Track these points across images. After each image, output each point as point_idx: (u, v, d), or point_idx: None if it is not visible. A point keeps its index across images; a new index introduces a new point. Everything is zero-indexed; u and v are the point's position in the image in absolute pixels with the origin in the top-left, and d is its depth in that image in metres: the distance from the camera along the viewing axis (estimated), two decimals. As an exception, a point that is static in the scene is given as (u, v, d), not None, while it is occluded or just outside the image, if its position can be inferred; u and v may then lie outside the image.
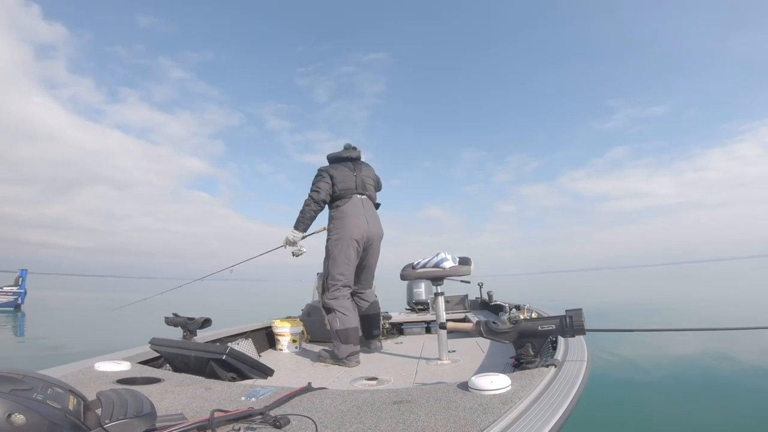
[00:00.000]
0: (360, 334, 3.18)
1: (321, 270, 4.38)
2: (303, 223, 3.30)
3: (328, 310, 3.11)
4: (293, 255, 3.35)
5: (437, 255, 2.96)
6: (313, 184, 3.30)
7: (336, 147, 3.82)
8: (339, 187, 3.27)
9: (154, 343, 2.40)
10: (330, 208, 3.33)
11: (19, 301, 16.45)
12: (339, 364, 2.92)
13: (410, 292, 5.20)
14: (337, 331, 2.99)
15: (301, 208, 3.29)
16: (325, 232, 3.35)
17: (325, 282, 3.18)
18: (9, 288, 16.45)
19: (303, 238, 3.34)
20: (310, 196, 3.26)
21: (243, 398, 1.52)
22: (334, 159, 3.47)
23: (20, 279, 16.75)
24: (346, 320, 3.04)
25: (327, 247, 3.24)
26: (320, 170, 3.37)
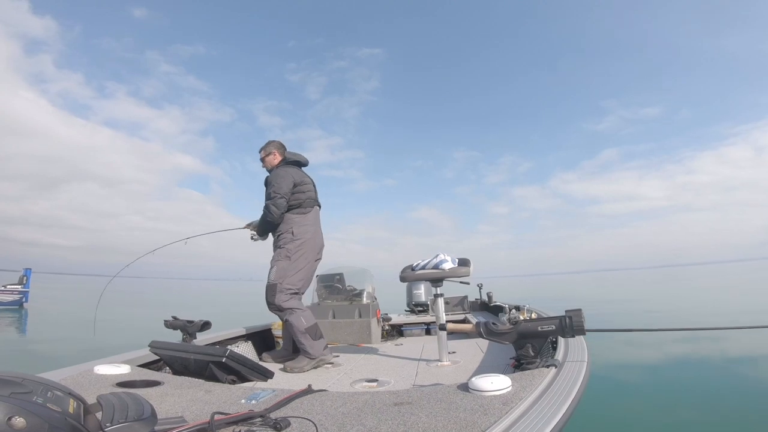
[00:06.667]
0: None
1: (317, 273, 4.35)
2: (262, 226, 3.24)
3: (289, 311, 2.94)
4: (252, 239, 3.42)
5: (436, 256, 2.97)
6: (279, 187, 3.09)
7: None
8: (306, 195, 3.20)
9: (154, 346, 2.39)
10: (291, 210, 3.16)
11: (24, 299, 16.53)
12: (318, 365, 2.88)
13: (410, 293, 5.20)
14: (307, 329, 2.90)
15: (268, 210, 3.11)
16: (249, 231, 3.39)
17: (279, 284, 2.96)
18: (13, 286, 16.52)
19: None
20: (274, 204, 3.08)
21: (243, 401, 1.52)
22: (294, 162, 3.34)
23: (24, 278, 16.82)
24: (310, 316, 3.00)
25: (287, 249, 3.05)
26: (285, 173, 3.16)
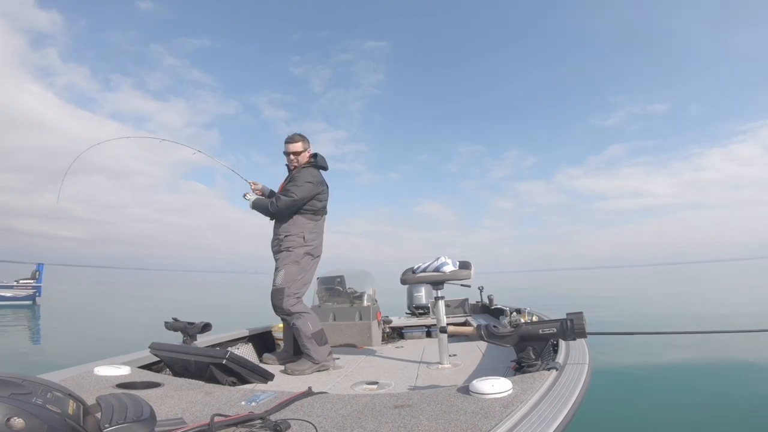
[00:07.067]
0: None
1: (318, 275, 4.35)
2: (260, 208, 3.10)
3: (296, 315, 2.93)
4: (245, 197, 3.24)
5: (437, 259, 2.97)
6: (303, 191, 3.00)
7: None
8: (322, 204, 3.14)
9: (154, 347, 2.39)
10: (305, 215, 3.08)
11: (37, 294, 16.31)
12: (321, 369, 2.87)
13: (410, 296, 5.19)
14: (313, 334, 2.90)
15: (277, 202, 3.00)
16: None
17: (287, 288, 2.93)
18: (26, 281, 16.29)
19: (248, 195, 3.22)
20: (286, 204, 2.98)
21: (243, 403, 1.52)
22: (323, 167, 3.23)
23: (37, 273, 16.56)
24: (316, 321, 3.00)
25: (296, 253, 3.00)
26: (312, 179, 3.07)
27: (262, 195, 3.29)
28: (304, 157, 3.17)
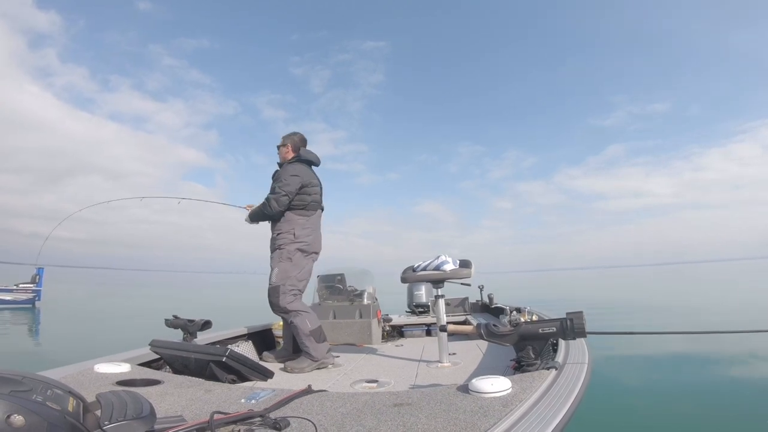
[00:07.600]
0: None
1: (318, 273, 4.35)
2: (256, 216, 3.20)
3: (294, 313, 2.95)
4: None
5: (438, 258, 2.97)
6: (286, 185, 3.05)
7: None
8: (312, 198, 3.15)
9: (154, 344, 2.40)
10: (295, 210, 3.12)
11: (36, 298, 16.38)
12: (320, 367, 2.88)
13: (411, 294, 5.20)
14: (312, 332, 2.92)
15: (269, 203, 3.07)
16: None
17: (282, 286, 2.96)
18: (26, 285, 16.38)
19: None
20: (276, 200, 3.04)
21: (243, 400, 1.52)
22: (306, 161, 3.27)
23: (37, 277, 16.61)
24: (314, 318, 3.02)
25: (288, 250, 3.05)
26: (296, 172, 3.11)
27: None
28: (283, 154, 3.28)
